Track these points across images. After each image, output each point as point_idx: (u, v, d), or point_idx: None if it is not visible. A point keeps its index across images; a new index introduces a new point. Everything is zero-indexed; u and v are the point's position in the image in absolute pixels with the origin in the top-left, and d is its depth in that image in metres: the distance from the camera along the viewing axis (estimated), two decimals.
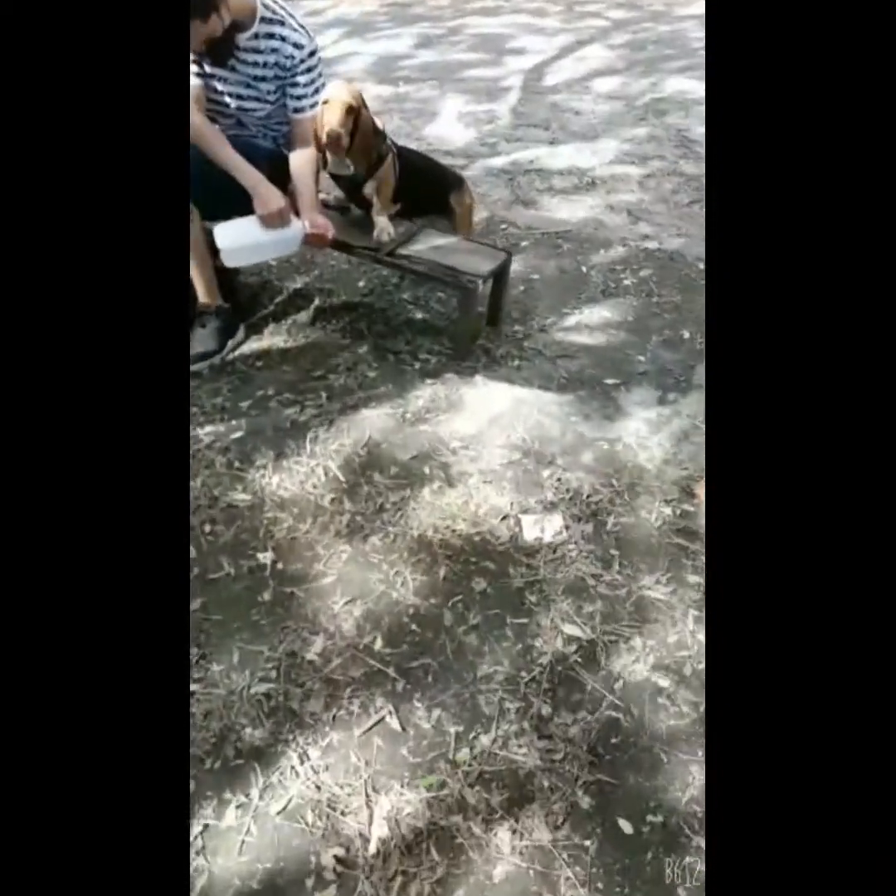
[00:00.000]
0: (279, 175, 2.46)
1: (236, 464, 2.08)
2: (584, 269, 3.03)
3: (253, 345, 2.57)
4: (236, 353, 2.52)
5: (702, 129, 4.70)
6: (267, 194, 2.25)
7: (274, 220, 2.26)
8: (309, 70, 2.33)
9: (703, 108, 5.06)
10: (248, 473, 2.05)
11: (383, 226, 2.47)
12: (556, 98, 5.31)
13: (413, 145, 4.73)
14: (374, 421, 2.25)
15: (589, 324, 2.68)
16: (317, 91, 2.39)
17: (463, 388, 2.38)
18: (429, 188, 2.65)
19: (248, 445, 2.15)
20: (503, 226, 3.37)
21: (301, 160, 2.40)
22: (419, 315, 2.74)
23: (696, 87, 5.43)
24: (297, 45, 2.27)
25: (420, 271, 2.38)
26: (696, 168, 4.23)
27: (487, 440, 2.17)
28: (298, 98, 2.36)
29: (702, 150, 4.44)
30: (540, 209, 3.79)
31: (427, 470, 2.07)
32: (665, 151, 4.44)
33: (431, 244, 2.48)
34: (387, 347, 2.56)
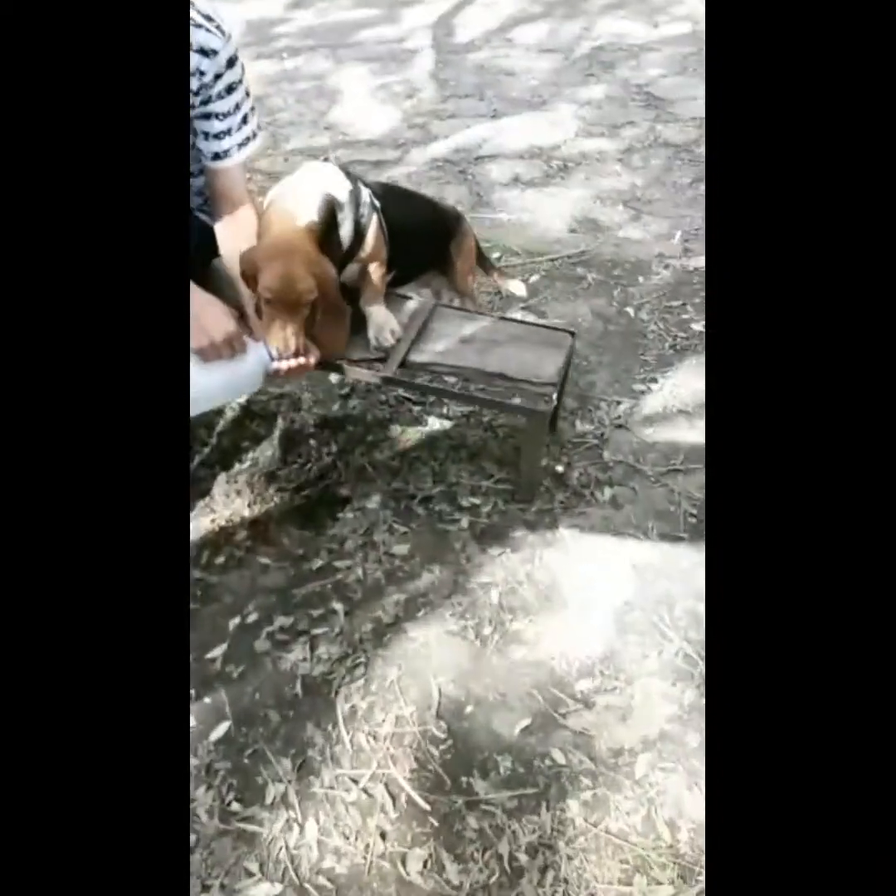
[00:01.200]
0: (205, 261, 1.50)
1: (235, 805, 1.18)
2: (630, 311, 2.18)
3: (203, 522, 1.63)
4: None
5: (665, 83, 3.88)
6: (201, 312, 1.30)
7: (220, 352, 1.32)
8: (230, 89, 1.36)
9: (653, 56, 4.22)
10: (262, 825, 1.16)
11: (381, 321, 1.55)
12: (478, 57, 4.35)
13: (323, 139, 3.75)
14: (434, 652, 1.38)
15: (681, 405, 1.86)
16: (245, 120, 1.42)
17: (548, 556, 1.53)
18: (423, 241, 1.74)
19: (244, 752, 1.24)
20: (495, 255, 2.47)
21: (236, 236, 1.45)
22: (436, 423, 1.85)
23: (635, 30, 4.57)
24: (204, 52, 1.29)
25: (462, 394, 1.50)
26: (680, 134, 3.42)
27: (627, 665, 1.34)
28: (218, 136, 1.39)
29: (676, 110, 3.62)
30: (513, 212, 2.91)
31: (558, 755, 1.22)
32: (633, 115, 3.60)
33: (458, 335, 1.58)
34: (407, 492, 1.67)
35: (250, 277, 1.34)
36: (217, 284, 1.51)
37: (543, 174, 3.18)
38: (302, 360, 1.36)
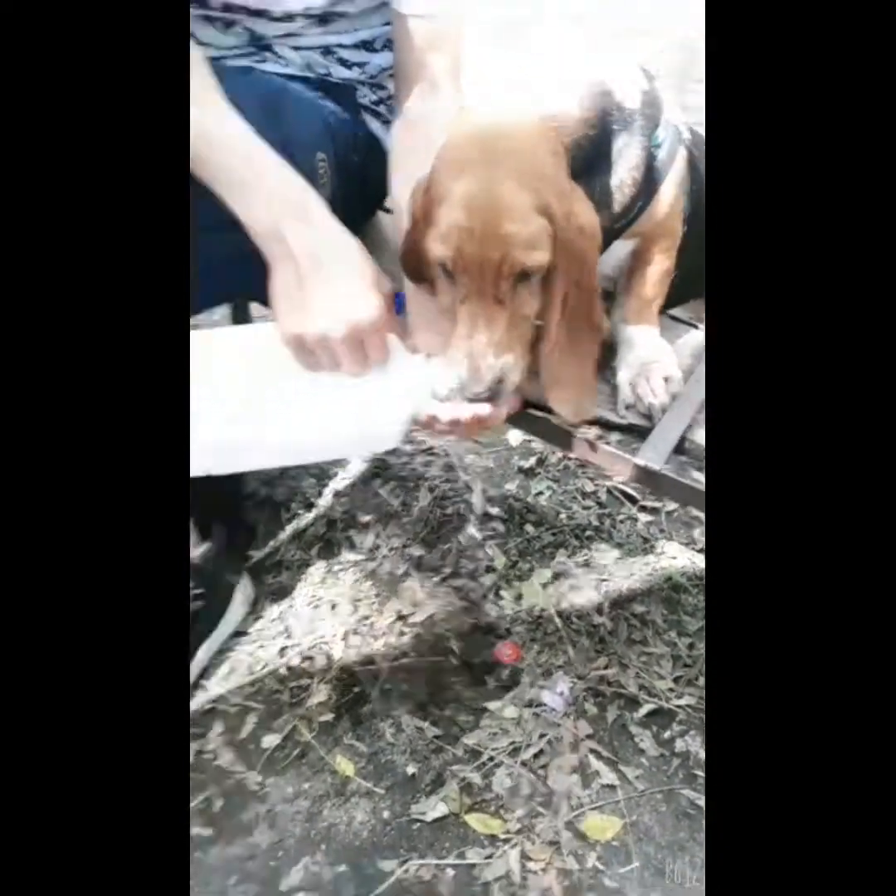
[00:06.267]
0: (367, 206, 0.80)
1: None
2: None
3: (270, 651, 0.90)
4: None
5: None
6: (320, 274, 0.56)
7: (336, 358, 0.57)
8: None
9: None
10: None
11: (650, 357, 0.75)
12: None
13: None
14: None
15: None
16: None
17: None
18: None
19: None
20: None
21: (426, 149, 0.71)
22: (683, 555, 1.03)
23: None
24: None
25: None
26: None
27: None
28: None
29: None
30: None
31: None
32: None
33: None
34: (621, 692, 0.87)
35: (421, 219, 0.60)
36: (379, 252, 0.80)
37: None
38: (485, 409, 0.58)
